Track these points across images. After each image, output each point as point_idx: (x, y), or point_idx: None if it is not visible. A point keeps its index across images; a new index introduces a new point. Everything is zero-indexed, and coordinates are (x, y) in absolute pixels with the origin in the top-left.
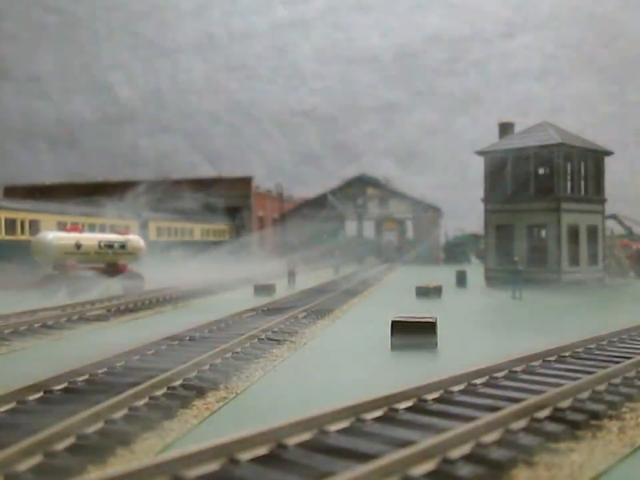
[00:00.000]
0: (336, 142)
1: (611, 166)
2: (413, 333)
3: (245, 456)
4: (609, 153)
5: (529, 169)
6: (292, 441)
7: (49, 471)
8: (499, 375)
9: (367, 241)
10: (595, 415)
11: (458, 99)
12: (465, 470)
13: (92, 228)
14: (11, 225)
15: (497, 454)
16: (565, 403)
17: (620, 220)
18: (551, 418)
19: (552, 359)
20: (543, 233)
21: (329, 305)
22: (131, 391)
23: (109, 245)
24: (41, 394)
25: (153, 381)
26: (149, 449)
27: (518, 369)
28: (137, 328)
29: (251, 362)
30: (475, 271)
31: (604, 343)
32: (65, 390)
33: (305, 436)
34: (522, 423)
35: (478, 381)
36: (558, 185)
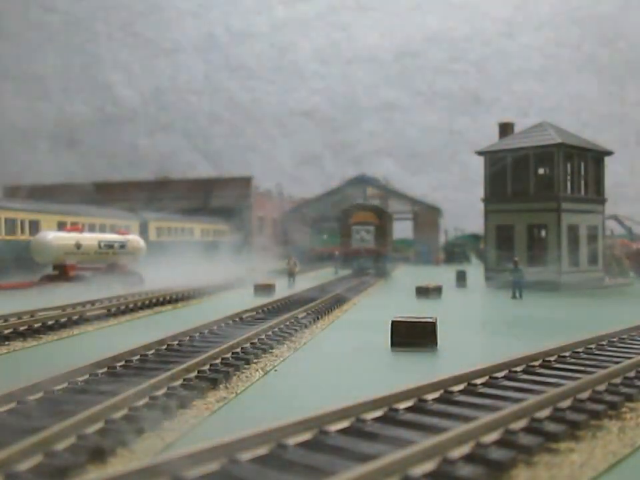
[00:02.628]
0: (336, 142)
1: (611, 166)
2: (412, 332)
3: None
4: (609, 153)
5: (529, 169)
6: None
7: None
8: (499, 375)
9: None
10: (595, 416)
11: (458, 99)
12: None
13: (92, 228)
14: (10, 225)
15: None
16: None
17: (620, 220)
18: (550, 418)
19: (552, 359)
20: (543, 232)
21: (328, 304)
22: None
23: (109, 245)
24: None
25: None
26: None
27: (518, 369)
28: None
29: (250, 362)
30: (475, 271)
31: (604, 343)
32: None
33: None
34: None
35: (478, 381)
36: (558, 185)
